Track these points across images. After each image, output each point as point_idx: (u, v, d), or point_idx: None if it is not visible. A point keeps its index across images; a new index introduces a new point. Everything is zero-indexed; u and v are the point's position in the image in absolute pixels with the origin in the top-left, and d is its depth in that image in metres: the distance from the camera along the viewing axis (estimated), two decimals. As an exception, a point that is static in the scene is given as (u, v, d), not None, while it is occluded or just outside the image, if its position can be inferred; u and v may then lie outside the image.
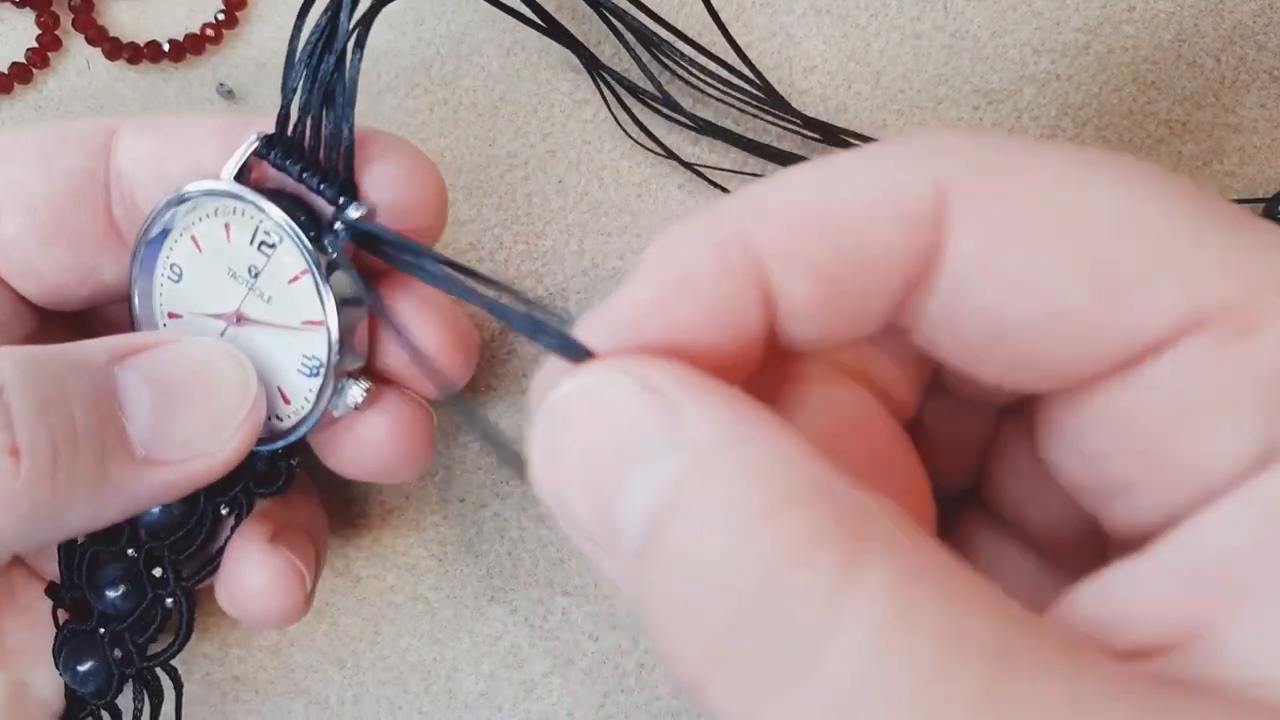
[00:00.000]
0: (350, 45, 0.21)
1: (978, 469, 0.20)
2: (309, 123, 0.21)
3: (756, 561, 0.13)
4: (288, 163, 0.22)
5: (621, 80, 0.31)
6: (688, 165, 0.31)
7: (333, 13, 0.21)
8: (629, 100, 0.31)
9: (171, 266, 0.23)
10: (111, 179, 0.23)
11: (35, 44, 0.31)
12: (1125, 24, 0.32)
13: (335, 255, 0.22)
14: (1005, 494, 0.20)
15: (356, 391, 0.23)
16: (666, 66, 0.31)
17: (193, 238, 0.23)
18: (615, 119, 0.31)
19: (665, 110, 0.31)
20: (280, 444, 0.24)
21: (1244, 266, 0.14)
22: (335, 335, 0.22)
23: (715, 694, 0.13)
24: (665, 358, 0.15)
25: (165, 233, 0.23)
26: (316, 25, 0.21)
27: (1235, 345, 0.14)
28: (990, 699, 0.12)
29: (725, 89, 0.31)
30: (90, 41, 0.32)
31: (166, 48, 0.31)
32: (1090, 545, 0.18)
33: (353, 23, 0.21)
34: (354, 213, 0.21)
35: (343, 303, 0.22)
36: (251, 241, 0.22)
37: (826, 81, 0.32)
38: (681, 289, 0.15)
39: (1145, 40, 0.32)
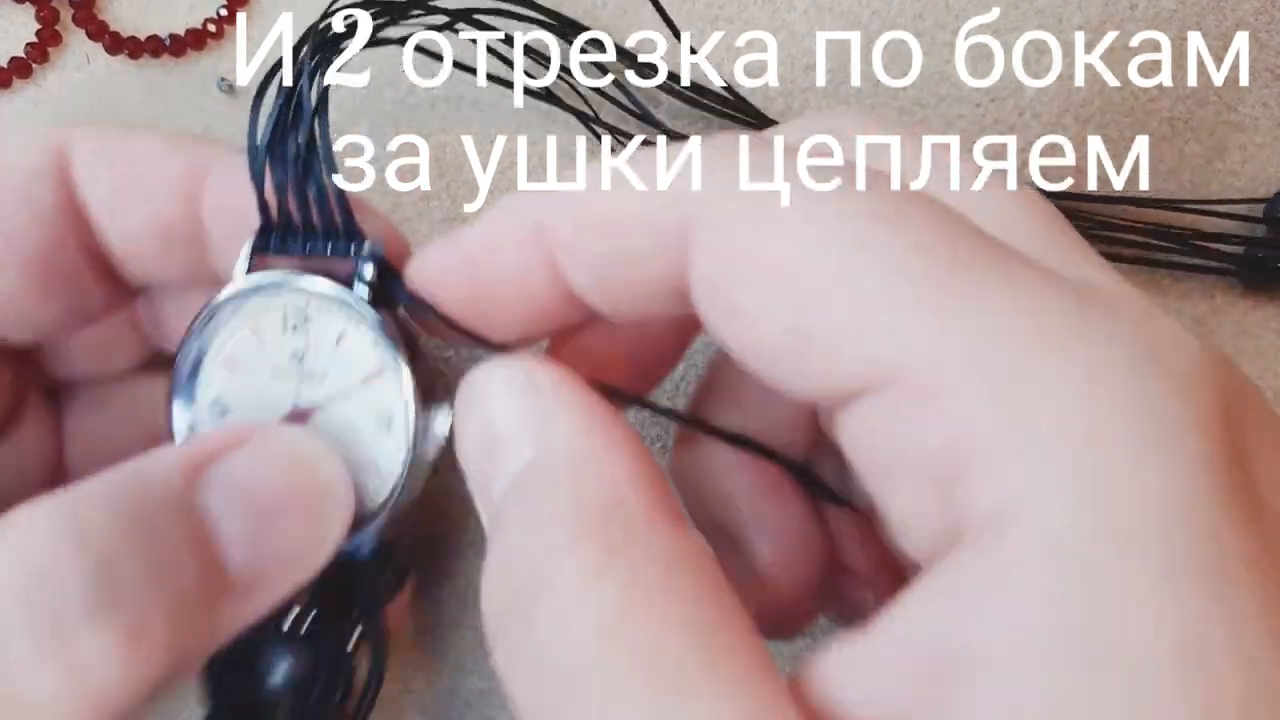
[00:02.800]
0: (314, 122, 0.20)
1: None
2: (292, 198, 0.21)
3: (536, 551, 0.16)
4: (286, 244, 0.21)
5: (609, 127, 0.31)
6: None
7: (287, 98, 0.20)
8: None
9: (212, 404, 0.22)
10: (83, 211, 0.22)
11: (35, 39, 0.31)
12: (1128, 21, 0.32)
13: (367, 296, 0.21)
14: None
15: (442, 421, 0.22)
16: (662, 88, 0.31)
17: (224, 360, 0.22)
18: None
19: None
20: (383, 518, 0.22)
21: (932, 333, 0.14)
22: (405, 372, 0.21)
23: (496, 648, 0.16)
24: (560, 366, 0.18)
25: (198, 363, 0.22)
26: (271, 115, 0.20)
27: (909, 415, 0.14)
28: (657, 713, 0.14)
29: (707, 101, 0.31)
30: (91, 36, 0.31)
31: (168, 43, 0.31)
32: None
33: (314, 101, 0.20)
34: (368, 254, 0.21)
35: (396, 337, 0.21)
36: (284, 328, 0.22)
37: (828, 79, 0.32)
38: (493, 265, 0.18)
39: (1148, 38, 0.32)
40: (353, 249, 0.21)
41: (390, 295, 0.21)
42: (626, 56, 0.31)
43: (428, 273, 0.19)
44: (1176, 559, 0.12)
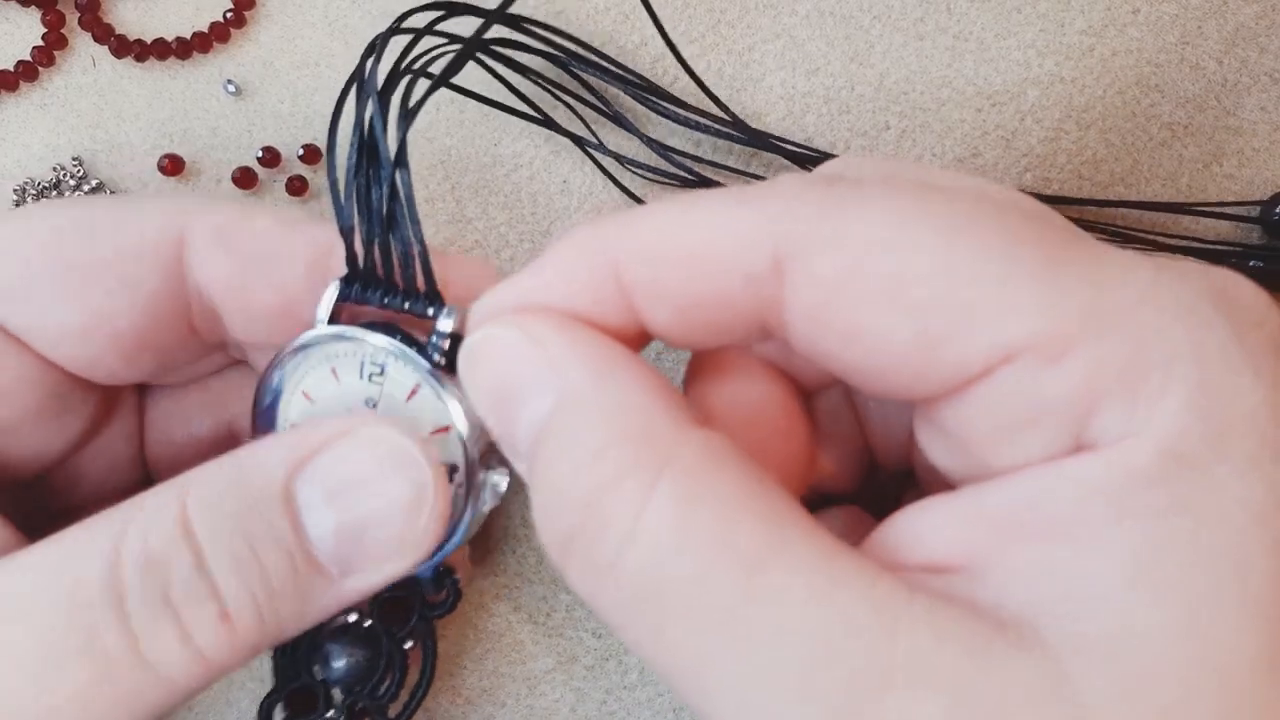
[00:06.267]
0: (396, 171, 0.21)
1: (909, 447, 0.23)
2: (379, 250, 0.22)
3: (586, 486, 0.17)
4: (368, 294, 0.22)
5: (612, 153, 0.31)
6: (686, 182, 0.31)
7: (364, 143, 0.21)
8: (620, 150, 0.31)
9: (291, 428, 0.24)
10: (191, 293, 0.23)
11: (41, 42, 0.31)
12: (1130, 26, 0.32)
13: (442, 361, 0.22)
14: (924, 471, 0.23)
15: (499, 480, 0.23)
16: (657, 109, 0.31)
17: (303, 393, 0.23)
18: (611, 177, 0.31)
19: (652, 170, 0.31)
20: (438, 556, 0.24)
21: (1051, 305, 0.16)
22: (467, 432, 0.22)
23: (568, 575, 0.18)
24: (547, 314, 0.18)
25: (277, 395, 0.24)
26: (350, 160, 0.21)
27: (1041, 374, 0.16)
28: (745, 591, 0.16)
29: (701, 119, 0.31)
30: (97, 39, 0.32)
31: (174, 45, 0.32)
32: None
33: (394, 150, 0.21)
34: (446, 319, 0.22)
35: (463, 400, 0.22)
36: (361, 375, 0.23)
37: (829, 83, 0.32)
38: (561, 292, 0.19)
39: (1149, 42, 0.32)
40: (432, 311, 0.22)
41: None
42: (623, 79, 0.31)
43: (491, 315, 0.19)
44: (1264, 447, 0.15)
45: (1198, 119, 0.32)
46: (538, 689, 0.29)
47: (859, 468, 0.24)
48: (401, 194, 0.21)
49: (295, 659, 0.26)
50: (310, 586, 0.21)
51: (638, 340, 0.19)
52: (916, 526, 0.17)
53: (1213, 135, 0.32)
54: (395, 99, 0.22)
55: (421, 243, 0.21)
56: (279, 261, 0.23)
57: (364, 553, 0.21)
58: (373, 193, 0.21)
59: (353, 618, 0.26)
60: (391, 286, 0.22)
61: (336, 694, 0.26)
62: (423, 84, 0.23)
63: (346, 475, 0.21)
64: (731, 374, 0.21)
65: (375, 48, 0.22)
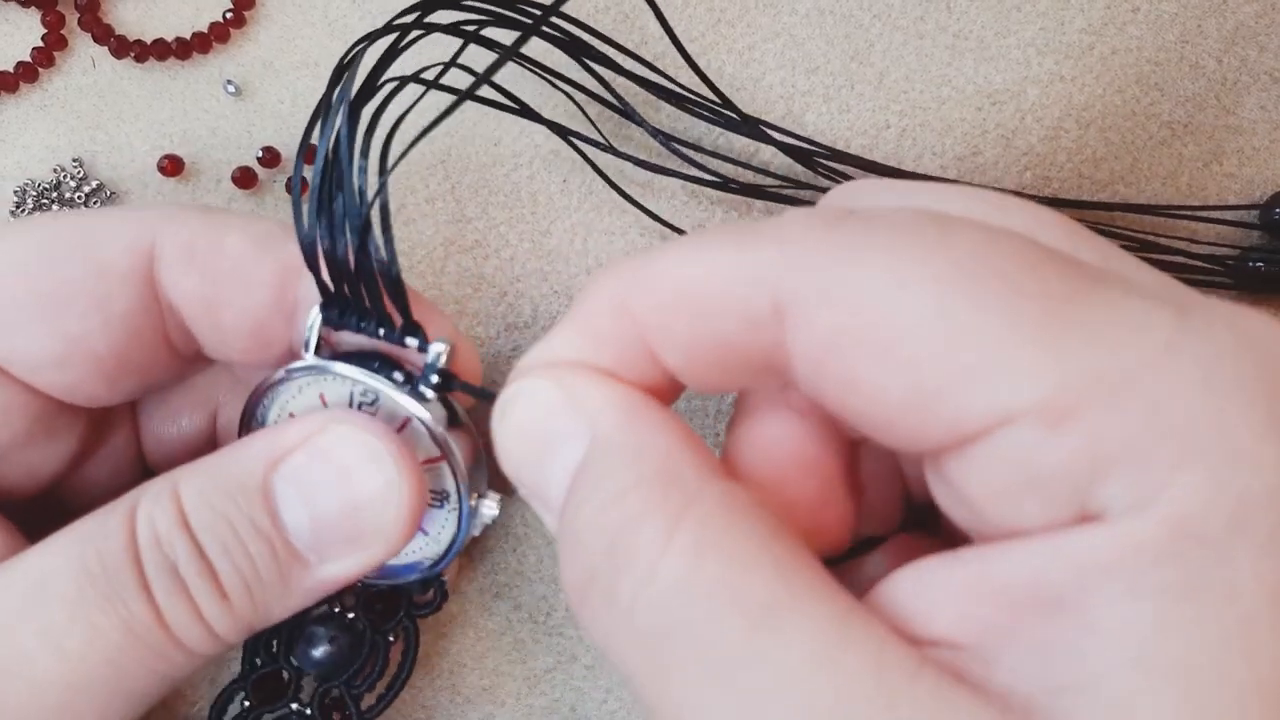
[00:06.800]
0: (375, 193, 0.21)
1: None
2: (352, 273, 0.21)
3: (608, 529, 0.17)
4: (348, 319, 0.22)
5: (617, 151, 0.31)
6: (686, 177, 0.31)
7: (332, 167, 0.21)
8: (620, 147, 0.31)
9: (270, 427, 0.24)
10: (164, 308, 0.23)
11: (41, 43, 0.32)
12: (1130, 24, 0.32)
13: (432, 396, 0.22)
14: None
15: (491, 505, 0.24)
16: (657, 93, 0.31)
17: (291, 414, 0.23)
18: (604, 177, 0.31)
19: (652, 166, 0.31)
20: (431, 572, 0.25)
21: (1053, 366, 0.15)
22: (461, 467, 0.23)
23: (584, 617, 0.18)
24: (579, 368, 0.19)
25: (264, 421, 0.24)
26: (315, 182, 0.21)
27: (1040, 441, 0.15)
28: (749, 644, 0.16)
29: (703, 111, 0.31)
30: (96, 40, 0.32)
31: (173, 46, 0.32)
32: None
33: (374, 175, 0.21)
34: (439, 347, 0.22)
35: (454, 432, 0.23)
36: (350, 405, 0.23)
37: (829, 82, 0.32)
38: (590, 349, 0.19)
39: (1149, 41, 0.32)
40: (419, 345, 0.22)
41: (451, 389, 0.22)
42: (626, 71, 0.31)
43: (541, 396, 0.19)
44: None
45: (1197, 118, 0.32)
46: (538, 688, 0.29)
47: (903, 505, 0.24)
48: (376, 228, 0.20)
49: (270, 645, 0.26)
50: (290, 572, 0.22)
51: (671, 389, 0.20)
52: (924, 596, 0.17)
53: (1212, 134, 0.32)
54: (377, 111, 0.21)
55: (397, 277, 0.21)
56: (248, 283, 0.22)
57: (337, 542, 0.22)
58: (341, 213, 0.21)
59: (338, 608, 0.26)
60: (369, 316, 0.22)
61: (308, 683, 0.27)
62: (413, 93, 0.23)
63: (318, 471, 0.22)
64: (772, 421, 0.21)
65: (352, 59, 0.22)
